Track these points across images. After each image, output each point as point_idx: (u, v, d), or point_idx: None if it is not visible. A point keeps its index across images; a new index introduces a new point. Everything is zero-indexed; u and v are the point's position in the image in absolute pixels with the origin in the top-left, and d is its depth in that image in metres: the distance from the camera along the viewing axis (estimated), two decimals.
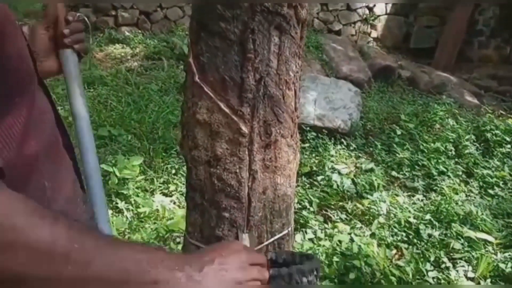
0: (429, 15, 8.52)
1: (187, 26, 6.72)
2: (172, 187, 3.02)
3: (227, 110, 0.88)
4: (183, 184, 3.06)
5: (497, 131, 3.75)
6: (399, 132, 3.80)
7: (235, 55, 0.86)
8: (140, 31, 6.31)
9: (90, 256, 0.45)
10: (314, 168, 3.31)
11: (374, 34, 8.44)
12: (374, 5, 8.19)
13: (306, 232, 2.61)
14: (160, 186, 3.04)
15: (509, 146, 3.64)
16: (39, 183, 0.58)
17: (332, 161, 3.39)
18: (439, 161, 3.38)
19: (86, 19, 0.96)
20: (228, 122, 0.88)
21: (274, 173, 0.97)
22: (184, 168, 3.16)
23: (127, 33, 6.12)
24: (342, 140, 3.86)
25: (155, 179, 3.06)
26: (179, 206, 2.83)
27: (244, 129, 0.88)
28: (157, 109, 3.99)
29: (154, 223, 2.60)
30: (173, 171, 3.20)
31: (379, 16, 8.32)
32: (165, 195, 2.98)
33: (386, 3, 8.29)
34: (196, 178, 0.97)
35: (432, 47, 8.15)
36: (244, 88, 0.87)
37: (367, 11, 8.21)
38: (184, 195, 1.15)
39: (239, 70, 0.87)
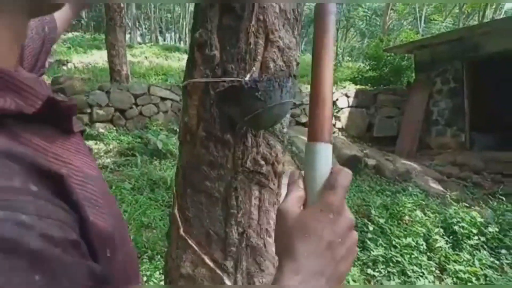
0: (388, 107, 9.21)
1: (162, 121, 6.92)
2: None
3: (211, 264, 0.91)
4: None
5: (463, 224, 3.89)
6: (371, 228, 3.87)
7: (219, 211, 0.92)
8: (114, 128, 6.43)
9: None
10: None
11: (339, 124, 8.95)
12: (337, 99, 8.80)
13: None
14: None
15: (476, 238, 3.76)
16: None
17: None
18: (412, 256, 3.42)
19: None
20: (212, 276, 0.91)
21: None
22: (157, 275, 3.03)
23: (101, 130, 6.22)
24: None
25: None
26: None
27: (228, 282, 0.90)
28: (129, 209, 3.93)
29: None
30: (145, 278, 3.07)
31: (342, 108, 8.90)
32: None
33: (348, 98, 8.92)
34: None
35: (394, 135, 8.69)
36: (228, 242, 0.91)
37: None
38: None
39: (223, 225, 0.92)
